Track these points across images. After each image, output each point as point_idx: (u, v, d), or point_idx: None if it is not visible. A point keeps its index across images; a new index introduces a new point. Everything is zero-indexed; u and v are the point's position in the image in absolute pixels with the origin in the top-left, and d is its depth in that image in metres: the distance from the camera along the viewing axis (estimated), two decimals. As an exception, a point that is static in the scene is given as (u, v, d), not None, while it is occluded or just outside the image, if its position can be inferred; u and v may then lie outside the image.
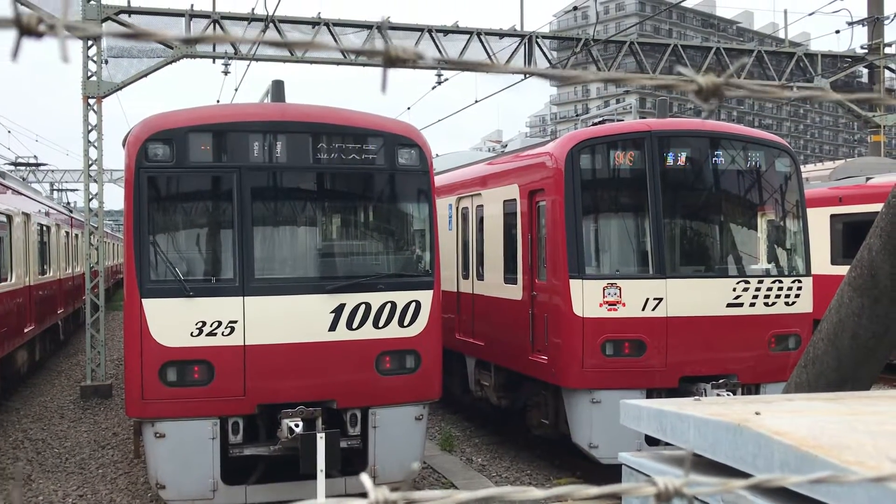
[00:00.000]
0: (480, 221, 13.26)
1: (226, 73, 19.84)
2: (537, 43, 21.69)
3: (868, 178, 18.49)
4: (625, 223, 11.00)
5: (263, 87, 10.94)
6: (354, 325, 8.93)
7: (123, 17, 18.16)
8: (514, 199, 11.87)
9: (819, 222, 17.44)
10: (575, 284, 10.21)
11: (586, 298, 10.15)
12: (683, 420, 2.62)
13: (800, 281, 10.75)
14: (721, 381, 10.11)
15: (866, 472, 1.56)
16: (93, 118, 17.45)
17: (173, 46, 18.56)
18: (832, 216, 18.32)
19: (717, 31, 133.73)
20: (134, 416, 8.80)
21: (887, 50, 25.99)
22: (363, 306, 8.96)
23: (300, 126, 9.16)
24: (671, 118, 12.03)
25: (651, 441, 9.30)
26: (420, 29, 20.74)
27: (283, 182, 9.40)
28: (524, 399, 12.15)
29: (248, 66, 19.88)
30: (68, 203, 40.94)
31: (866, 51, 25.96)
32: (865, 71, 26.73)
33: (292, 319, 8.77)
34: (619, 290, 10.17)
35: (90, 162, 17.54)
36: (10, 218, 15.50)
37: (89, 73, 17.43)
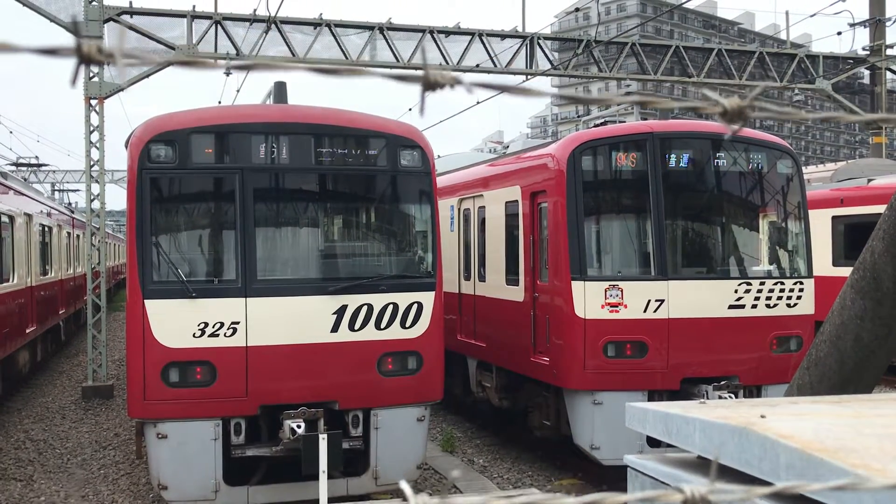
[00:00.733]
0: (482, 223, 13.26)
1: (227, 73, 19.83)
2: (539, 44, 21.70)
3: (869, 180, 18.47)
4: (626, 225, 10.99)
5: (265, 89, 10.95)
6: (356, 327, 8.93)
7: (125, 17, 18.18)
8: (516, 201, 11.87)
9: (820, 224, 17.43)
10: (577, 286, 10.21)
11: (588, 300, 10.15)
12: (689, 423, 2.63)
13: (801, 282, 10.75)
14: (723, 382, 10.11)
15: (884, 479, 1.57)
16: (94, 119, 17.47)
17: (174, 48, 18.57)
18: (834, 218, 18.31)
19: (719, 32, 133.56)
20: (136, 416, 8.81)
21: (889, 51, 25.99)
22: (365, 307, 8.96)
23: (302, 127, 9.16)
24: (673, 119, 12.04)
25: (651, 442, 9.30)
26: (422, 30, 20.74)
27: (286, 183, 9.40)
28: (525, 400, 12.15)
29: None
30: (70, 203, 40.87)
31: (868, 52, 25.96)
32: (867, 72, 26.73)
33: (294, 320, 8.77)
34: (621, 291, 10.17)
35: (92, 163, 17.55)
36: (11, 218, 15.51)
37: (91, 74, 17.45)
